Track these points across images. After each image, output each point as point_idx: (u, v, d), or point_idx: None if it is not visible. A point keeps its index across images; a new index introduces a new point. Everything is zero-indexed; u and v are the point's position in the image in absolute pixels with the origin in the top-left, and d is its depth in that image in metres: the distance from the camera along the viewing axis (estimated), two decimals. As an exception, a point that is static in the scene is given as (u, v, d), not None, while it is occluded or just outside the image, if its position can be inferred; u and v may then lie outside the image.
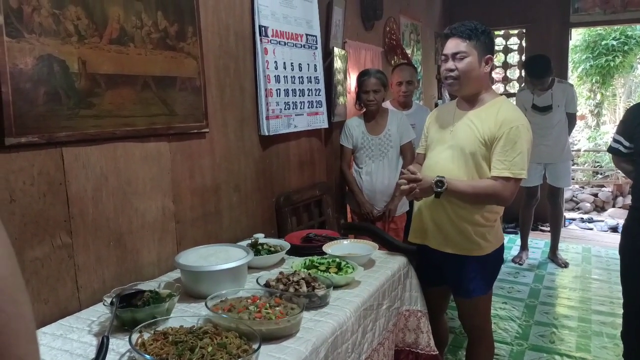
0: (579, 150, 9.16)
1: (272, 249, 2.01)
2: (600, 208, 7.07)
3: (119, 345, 1.30)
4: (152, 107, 1.79)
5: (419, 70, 4.74)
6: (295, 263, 1.88)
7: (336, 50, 3.08)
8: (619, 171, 7.06)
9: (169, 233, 1.91)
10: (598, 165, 8.84)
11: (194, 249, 1.78)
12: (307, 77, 2.74)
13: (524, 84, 4.85)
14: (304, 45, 2.72)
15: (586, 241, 5.20)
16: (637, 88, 11.13)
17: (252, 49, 2.36)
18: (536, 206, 4.47)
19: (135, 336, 1.23)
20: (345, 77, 3.27)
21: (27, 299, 0.50)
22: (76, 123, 1.52)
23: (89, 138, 1.58)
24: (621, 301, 2.44)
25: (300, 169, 2.81)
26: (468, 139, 1.90)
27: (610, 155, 2.63)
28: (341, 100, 3.22)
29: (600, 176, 8.49)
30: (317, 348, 1.32)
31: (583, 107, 10.36)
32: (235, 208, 2.28)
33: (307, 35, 2.73)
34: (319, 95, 2.86)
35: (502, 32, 5.80)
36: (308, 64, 2.75)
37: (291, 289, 1.55)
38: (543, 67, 4.00)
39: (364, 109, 3.05)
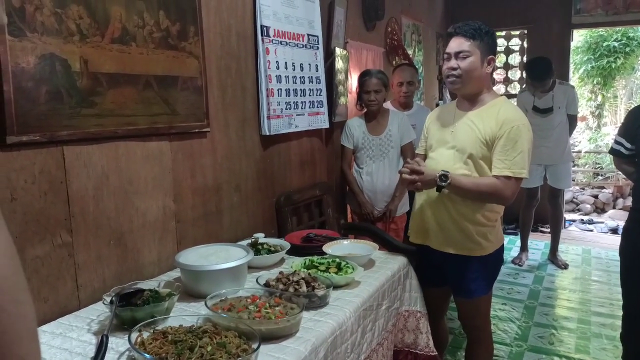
0: (579, 151, 9.15)
1: (272, 248, 2.01)
2: (600, 209, 7.07)
3: (118, 344, 1.30)
4: (153, 107, 1.79)
5: (420, 70, 4.74)
6: (295, 263, 1.88)
7: (338, 51, 3.09)
8: (620, 173, 7.04)
9: (169, 232, 1.92)
10: (599, 167, 8.84)
11: (194, 248, 1.79)
12: (309, 77, 2.74)
13: (525, 85, 4.85)
14: (306, 45, 2.72)
15: (586, 243, 5.20)
16: (638, 90, 11.12)
17: (253, 48, 2.36)
18: (536, 207, 4.47)
19: (134, 335, 1.23)
20: (346, 77, 3.28)
21: (29, 299, 0.50)
22: (78, 122, 1.53)
23: (91, 137, 1.58)
24: (621, 303, 2.44)
25: (301, 168, 2.81)
26: (469, 139, 1.91)
27: (612, 156, 2.63)
28: (342, 100, 3.22)
29: (600, 178, 8.49)
30: (317, 348, 1.32)
31: (584, 109, 10.35)
32: (235, 208, 2.28)
33: (308, 35, 2.73)
34: (320, 95, 2.86)
35: (503, 33, 5.80)
36: (309, 64, 2.75)
37: (291, 289, 1.55)
38: (544, 70, 4.00)
39: (365, 109, 3.05)
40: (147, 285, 1.55)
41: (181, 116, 1.92)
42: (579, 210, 7.05)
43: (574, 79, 9.28)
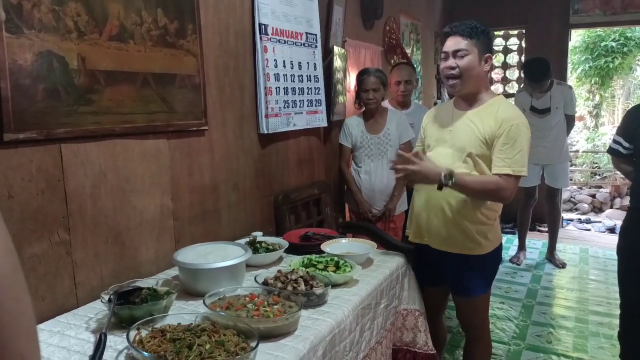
0: (577, 151, 9.17)
1: (271, 247, 2.01)
2: (598, 209, 7.08)
3: (116, 342, 1.30)
4: (151, 104, 1.79)
5: (418, 70, 4.74)
6: (293, 261, 1.88)
7: (336, 49, 3.08)
8: (617, 172, 7.04)
9: (167, 231, 1.91)
10: (596, 167, 8.86)
11: (192, 247, 1.78)
12: (307, 76, 2.74)
13: (522, 85, 4.85)
14: (304, 44, 2.71)
15: (584, 242, 5.21)
16: (636, 89, 11.15)
17: (252, 47, 2.36)
18: (534, 207, 4.48)
19: (132, 333, 1.23)
20: (344, 76, 3.27)
21: (28, 296, 0.50)
22: (75, 119, 1.52)
23: (88, 135, 1.57)
24: (618, 302, 2.45)
25: (299, 167, 2.81)
26: (468, 139, 1.91)
27: (610, 156, 2.64)
28: (340, 99, 3.22)
29: (598, 177, 8.50)
30: (315, 346, 1.32)
31: (582, 108, 10.37)
32: (233, 206, 2.28)
33: (307, 33, 2.73)
34: (318, 93, 2.86)
35: (501, 33, 5.80)
36: (308, 63, 2.75)
37: (289, 287, 1.55)
38: (542, 71, 4.00)
39: (363, 108, 3.05)
40: (145, 283, 1.55)
41: (179, 114, 1.91)
42: (576, 209, 7.07)
43: (571, 79, 9.28)
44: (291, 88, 2.60)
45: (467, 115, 1.96)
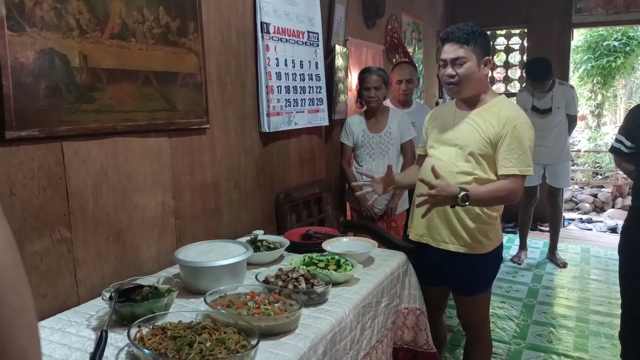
0: (579, 150, 9.16)
1: (272, 245, 2.01)
2: (599, 209, 7.07)
3: (117, 339, 1.30)
4: (153, 103, 1.79)
5: (420, 68, 4.74)
6: (294, 260, 1.89)
7: (338, 48, 3.08)
8: (619, 172, 7.03)
9: (168, 229, 1.91)
10: (598, 166, 8.84)
11: (193, 245, 1.78)
12: (308, 75, 2.74)
13: (524, 84, 4.85)
14: (306, 43, 2.71)
15: (585, 241, 5.21)
16: (638, 89, 11.12)
17: (253, 45, 2.36)
18: (535, 206, 4.47)
19: (133, 331, 1.23)
20: (346, 75, 3.27)
21: (30, 292, 0.50)
22: (77, 117, 1.52)
23: (90, 133, 1.58)
24: (619, 302, 2.45)
25: (300, 166, 2.81)
26: (472, 138, 1.91)
27: (612, 155, 2.63)
28: (342, 98, 3.21)
29: (600, 177, 8.49)
30: (316, 344, 1.32)
31: (584, 108, 10.35)
32: (235, 205, 2.28)
33: (308, 32, 2.73)
34: (319, 92, 2.85)
35: (503, 32, 5.80)
36: (309, 61, 2.75)
37: (290, 286, 1.55)
38: (544, 71, 3.99)
39: (365, 107, 3.05)
40: (146, 281, 1.55)
41: (180, 112, 1.91)
42: (578, 209, 7.06)
43: (573, 78, 9.27)
44: (293, 87, 2.60)
45: (469, 116, 1.96)
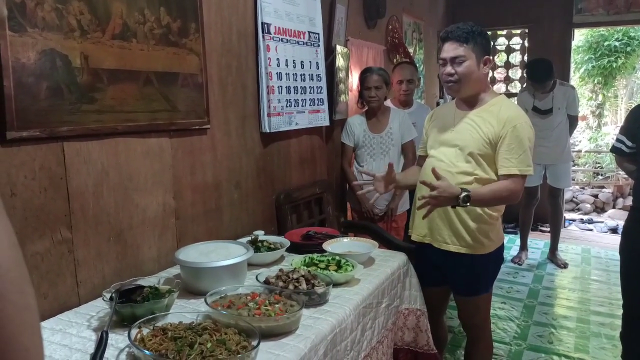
0: (579, 151, 9.15)
1: (272, 246, 2.01)
2: (600, 209, 7.07)
3: (118, 340, 1.30)
4: (154, 103, 1.79)
5: (420, 69, 4.74)
6: (295, 260, 1.88)
7: (338, 48, 3.08)
8: (620, 172, 7.02)
9: (169, 229, 1.91)
10: (599, 167, 8.84)
11: (194, 245, 1.78)
12: (309, 75, 2.74)
13: (525, 84, 4.84)
14: (307, 43, 2.71)
15: (586, 242, 5.20)
16: (639, 89, 11.11)
17: (254, 46, 2.36)
18: (536, 206, 4.47)
19: (134, 331, 1.23)
20: (347, 75, 3.27)
21: (32, 290, 0.50)
22: (78, 118, 1.52)
23: (91, 133, 1.58)
24: (620, 302, 2.44)
25: (301, 166, 2.81)
26: (472, 138, 1.91)
27: (613, 155, 2.63)
28: (343, 98, 3.21)
29: (600, 177, 8.48)
30: (316, 345, 1.32)
31: (584, 108, 10.34)
32: (235, 205, 2.28)
33: (309, 32, 2.73)
34: (320, 93, 2.85)
35: (504, 32, 5.79)
36: (310, 62, 2.75)
37: (291, 286, 1.55)
38: (545, 71, 3.99)
39: (366, 107, 3.04)
40: (146, 281, 1.55)
41: (181, 113, 1.91)
42: (578, 209, 7.06)
43: (574, 78, 9.27)
44: (293, 87, 2.60)
45: (469, 116, 1.96)
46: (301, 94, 2.66)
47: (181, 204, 1.97)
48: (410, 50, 4.48)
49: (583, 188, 7.86)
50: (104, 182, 1.64)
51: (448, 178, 1.81)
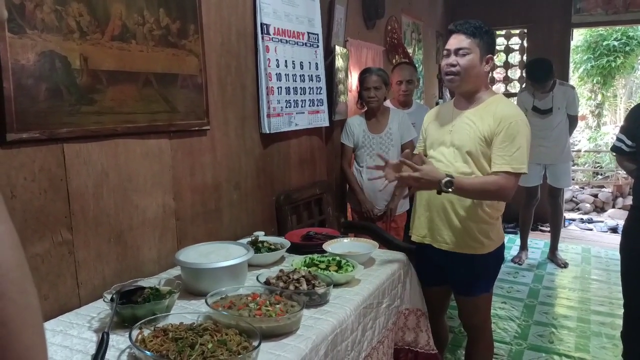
0: (579, 150, 9.15)
1: (273, 246, 2.01)
2: (600, 209, 7.07)
3: (119, 341, 1.30)
4: (153, 104, 1.79)
5: (419, 69, 4.74)
6: (295, 261, 1.88)
7: (338, 49, 3.08)
8: (619, 172, 7.02)
9: (169, 230, 1.91)
10: (598, 166, 8.84)
11: (194, 246, 1.78)
12: (309, 76, 2.74)
13: (524, 84, 4.85)
14: (306, 44, 2.71)
15: (586, 242, 5.21)
16: (638, 89, 11.12)
17: (253, 46, 2.36)
18: (536, 206, 4.47)
19: (135, 332, 1.23)
20: (346, 76, 3.27)
21: (35, 291, 0.50)
22: (77, 119, 1.52)
23: (90, 134, 1.58)
24: (620, 302, 2.44)
25: (300, 167, 2.81)
26: (468, 138, 1.91)
27: (613, 154, 2.64)
28: (342, 98, 3.22)
29: (600, 177, 8.49)
30: (317, 346, 1.32)
31: (584, 108, 10.34)
32: (235, 206, 2.28)
33: (308, 33, 2.73)
34: (320, 93, 2.86)
35: (503, 32, 5.80)
36: (309, 62, 2.75)
37: (291, 287, 1.55)
38: (544, 71, 3.99)
39: (366, 108, 3.05)
40: (147, 282, 1.55)
41: (181, 114, 1.91)
42: (578, 209, 7.06)
43: (573, 78, 9.27)
44: (293, 88, 2.60)
45: (466, 115, 1.96)
46: (301, 94, 2.66)
47: (181, 205, 1.97)
48: (410, 50, 4.48)
49: (583, 188, 7.87)
50: (103, 184, 1.64)
51: None
